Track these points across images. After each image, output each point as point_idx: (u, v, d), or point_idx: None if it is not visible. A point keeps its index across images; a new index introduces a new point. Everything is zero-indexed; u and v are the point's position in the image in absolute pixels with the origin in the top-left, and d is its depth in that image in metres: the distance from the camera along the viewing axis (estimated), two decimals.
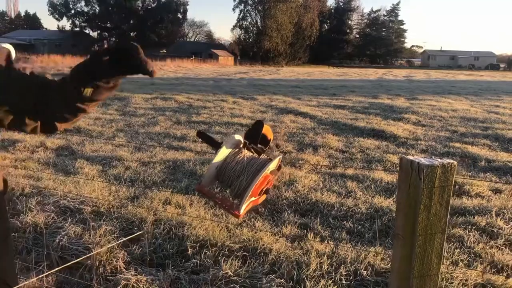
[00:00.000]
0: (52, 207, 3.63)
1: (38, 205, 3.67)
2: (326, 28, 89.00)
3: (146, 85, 17.18)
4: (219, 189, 1.89)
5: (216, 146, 1.61)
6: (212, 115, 9.83)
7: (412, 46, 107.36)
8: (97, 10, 76.01)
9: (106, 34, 78.37)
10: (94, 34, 79.07)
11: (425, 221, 1.30)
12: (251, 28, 78.43)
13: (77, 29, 76.37)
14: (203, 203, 3.99)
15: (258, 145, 1.62)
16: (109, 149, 6.18)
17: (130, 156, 5.78)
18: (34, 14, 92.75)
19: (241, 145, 1.61)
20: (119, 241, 3.04)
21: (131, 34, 77.33)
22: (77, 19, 76.33)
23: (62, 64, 32.22)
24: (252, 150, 1.61)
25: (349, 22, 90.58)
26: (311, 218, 3.81)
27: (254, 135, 1.60)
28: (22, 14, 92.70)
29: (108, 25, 76.58)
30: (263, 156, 1.61)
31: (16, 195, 3.91)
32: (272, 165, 1.58)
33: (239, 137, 1.60)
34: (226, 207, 1.58)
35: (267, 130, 1.66)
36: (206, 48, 71.93)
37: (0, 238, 1.40)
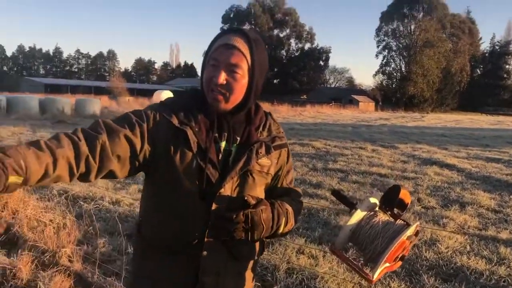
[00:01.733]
0: None
1: None
2: (479, 73, 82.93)
3: (285, 130, 17.65)
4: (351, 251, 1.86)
5: (351, 206, 1.61)
6: (349, 163, 9.73)
7: None
8: None
9: None
10: None
11: None
12: (395, 74, 76.87)
13: None
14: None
15: (395, 209, 1.58)
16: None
17: None
18: (192, 64, 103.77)
19: (377, 208, 1.59)
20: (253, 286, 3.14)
21: (274, 81, 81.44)
22: None
23: None
24: (388, 214, 1.58)
25: (507, 66, 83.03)
26: (455, 284, 3.49)
27: (391, 199, 1.56)
28: (182, 64, 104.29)
29: None
30: (399, 221, 1.56)
31: None
32: (410, 231, 1.53)
33: (374, 200, 1.58)
34: (360, 271, 1.56)
35: (404, 194, 1.61)
36: (346, 94, 72.22)
37: None
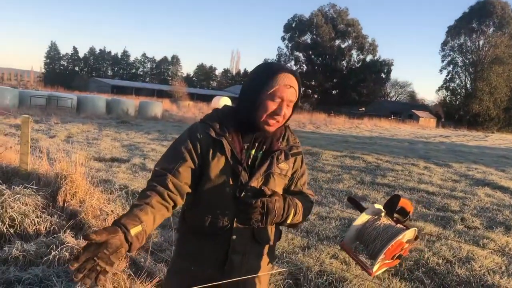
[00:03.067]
0: None
1: None
2: None
3: (339, 142, 17.87)
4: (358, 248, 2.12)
5: (361, 210, 1.91)
6: (398, 178, 9.76)
7: None
8: (304, 69, 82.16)
9: (310, 91, 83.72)
10: None
11: None
12: (459, 90, 73.92)
13: None
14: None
15: (395, 215, 1.84)
16: None
17: None
18: None
19: (382, 214, 1.87)
20: (285, 282, 3.46)
21: (333, 92, 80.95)
22: None
23: None
24: (390, 219, 1.85)
25: None
26: None
27: (391, 206, 1.83)
28: (242, 71, 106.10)
29: (313, 83, 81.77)
30: (399, 225, 1.83)
31: None
32: (409, 234, 1.80)
33: (379, 206, 1.86)
34: (362, 265, 1.85)
35: (405, 203, 1.87)
36: (407, 108, 70.46)
37: None
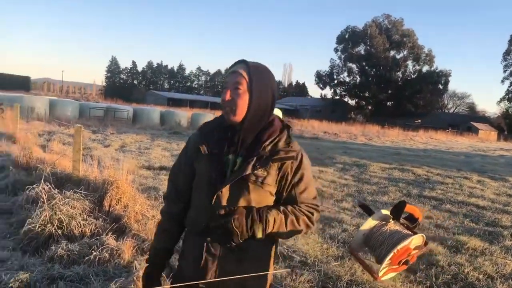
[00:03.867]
0: None
1: None
2: None
3: (389, 155, 17.48)
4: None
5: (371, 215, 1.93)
6: (447, 191, 9.42)
7: None
8: (357, 80, 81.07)
9: (364, 102, 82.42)
10: (352, 102, 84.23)
11: None
12: None
13: (337, 97, 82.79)
14: (401, 275, 4.08)
15: (401, 220, 1.85)
16: (334, 211, 6.75)
17: (350, 220, 6.20)
18: (303, 84, 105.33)
19: (391, 220, 1.88)
20: None
21: (388, 103, 79.16)
22: (339, 88, 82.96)
23: (318, 128, 35.51)
24: (399, 225, 1.86)
25: None
26: None
27: (397, 212, 1.84)
28: (294, 83, 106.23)
29: (366, 94, 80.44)
30: (405, 231, 1.83)
31: None
32: (416, 240, 1.80)
33: (386, 212, 1.87)
34: (368, 269, 1.87)
35: (412, 209, 1.88)
36: (465, 120, 67.65)
37: None
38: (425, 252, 4.54)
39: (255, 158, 1.60)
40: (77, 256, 3.83)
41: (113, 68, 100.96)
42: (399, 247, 1.75)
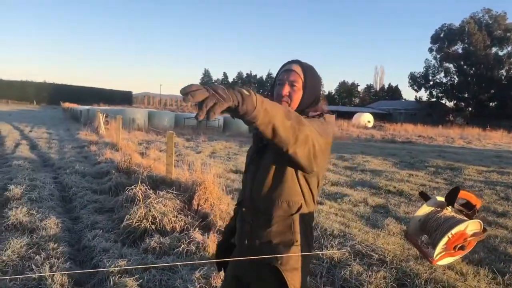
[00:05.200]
0: (349, 249, 4.40)
1: (338, 245, 4.53)
2: None
3: (489, 158, 16.34)
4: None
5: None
6: None
7: None
8: (455, 81, 76.37)
9: (463, 104, 77.36)
10: (450, 104, 79.38)
11: None
12: None
13: (434, 99, 78.51)
14: (489, 277, 3.92)
15: (458, 207, 1.89)
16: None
17: None
18: (396, 86, 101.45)
19: (446, 206, 1.93)
20: (388, 286, 3.50)
21: (490, 104, 73.59)
22: (435, 89, 78.60)
23: (412, 132, 34.11)
24: (454, 211, 1.90)
25: None
26: None
27: (451, 198, 1.88)
28: (386, 86, 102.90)
29: (466, 95, 75.45)
30: (461, 216, 1.86)
31: (326, 233, 4.91)
32: (472, 226, 1.84)
33: (441, 198, 1.92)
34: (424, 253, 1.93)
35: (469, 196, 1.90)
36: None
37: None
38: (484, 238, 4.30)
39: None
40: (168, 248, 4.24)
41: (206, 80, 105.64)
42: (453, 231, 1.80)
